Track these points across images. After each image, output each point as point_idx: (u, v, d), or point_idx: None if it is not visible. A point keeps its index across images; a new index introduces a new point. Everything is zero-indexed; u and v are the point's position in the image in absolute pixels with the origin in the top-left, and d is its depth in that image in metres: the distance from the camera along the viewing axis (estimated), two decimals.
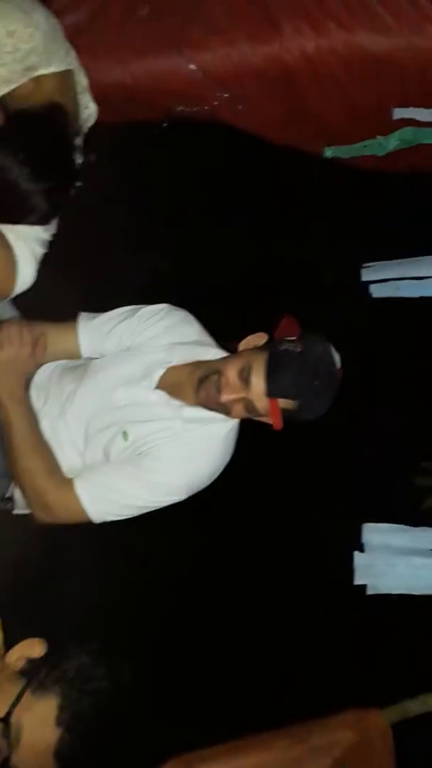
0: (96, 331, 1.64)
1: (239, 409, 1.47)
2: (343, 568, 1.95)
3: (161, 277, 2.11)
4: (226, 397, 1.45)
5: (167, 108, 1.85)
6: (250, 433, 1.60)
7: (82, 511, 1.53)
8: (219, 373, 1.48)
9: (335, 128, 1.86)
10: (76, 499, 1.52)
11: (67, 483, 1.54)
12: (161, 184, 1.99)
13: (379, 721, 1.86)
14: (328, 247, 1.97)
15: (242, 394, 1.44)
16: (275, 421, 1.44)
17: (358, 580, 1.94)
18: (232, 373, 1.46)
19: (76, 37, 1.61)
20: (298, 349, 1.45)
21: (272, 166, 1.99)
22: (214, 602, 1.97)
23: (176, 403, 1.55)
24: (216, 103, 1.79)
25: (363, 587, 1.95)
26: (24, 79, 1.34)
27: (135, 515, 1.57)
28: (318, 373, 1.43)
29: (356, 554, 1.93)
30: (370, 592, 1.95)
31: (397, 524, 1.91)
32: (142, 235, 2.17)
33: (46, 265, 1.71)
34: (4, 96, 1.36)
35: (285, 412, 1.44)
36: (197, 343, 1.64)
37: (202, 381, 1.49)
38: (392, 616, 1.94)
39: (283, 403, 1.43)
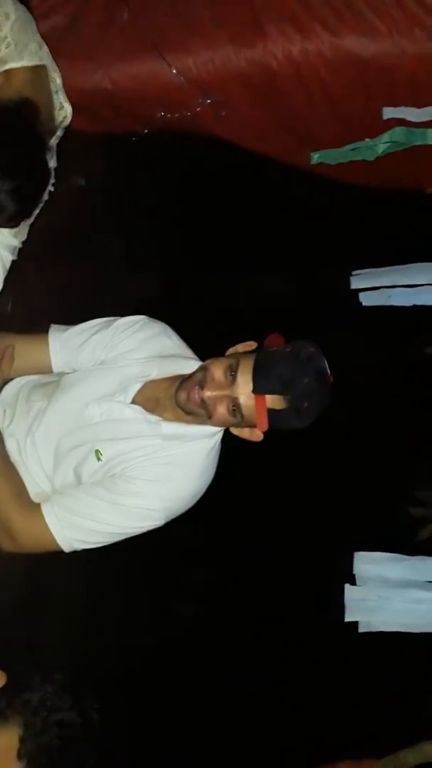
0: (68, 344, 1.54)
1: (222, 411, 1.36)
2: (332, 602, 1.82)
3: (140, 296, 2.05)
4: (209, 393, 1.35)
5: (148, 115, 1.80)
6: (234, 453, 1.50)
7: (50, 539, 1.41)
8: (204, 369, 1.39)
9: (321, 135, 1.82)
10: (43, 526, 1.40)
11: (34, 508, 1.42)
12: (140, 195, 1.93)
13: None
14: (315, 257, 1.91)
15: (227, 392, 1.34)
16: (260, 421, 1.34)
17: (349, 617, 1.80)
18: (218, 370, 1.36)
19: (55, 43, 1.56)
20: (287, 349, 1.37)
21: (254, 177, 1.94)
22: (194, 637, 1.84)
23: (154, 418, 1.45)
24: (198, 109, 1.74)
25: (355, 624, 1.81)
26: None
27: (108, 543, 1.45)
28: (307, 371, 1.34)
29: (347, 587, 1.79)
30: (362, 629, 1.81)
31: (392, 553, 1.78)
32: (123, 251, 2.12)
33: (18, 277, 1.63)
34: None
35: (272, 414, 1.33)
36: (177, 356, 1.54)
37: (184, 381, 1.40)
38: (387, 656, 1.81)
39: (270, 402, 1.33)
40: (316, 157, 1.82)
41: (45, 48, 1.36)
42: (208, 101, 1.73)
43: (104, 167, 2.04)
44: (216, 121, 1.78)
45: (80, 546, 1.43)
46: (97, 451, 1.46)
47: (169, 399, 1.45)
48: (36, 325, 1.62)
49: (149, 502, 1.40)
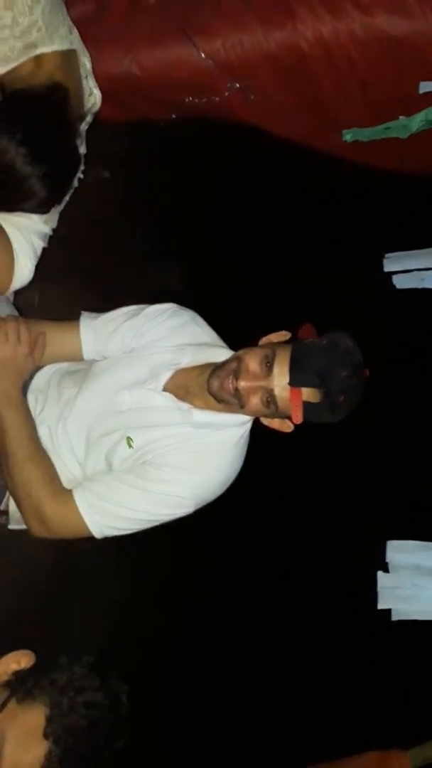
0: (99, 331, 1.54)
1: (256, 401, 1.35)
2: (365, 590, 1.81)
3: (167, 286, 2.04)
4: (244, 383, 1.34)
5: (175, 100, 1.78)
6: (264, 441, 1.48)
7: (82, 525, 1.42)
8: (238, 359, 1.38)
9: (350, 116, 1.78)
10: (74, 512, 1.41)
11: (66, 494, 1.43)
12: (166, 182, 1.92)
13: (404, 763, 1.70)
14: (348, 241, 1.88)
15: (262, 383, 1.33)
16: (296, 414, 1.33)
17: (382, 605, 1.78)
18: (253, 360, 1.35)
19: (82, 28, 1.54)
20: (324, 341, 1.36)
21: (283, 163, 1.91)
22: (224, 626, 1.83)
23: (185, 406, 1.44)
24: (226, 93, 1.71)
25: (388, 612, 1.79)
26: (24, 58, 1.26)
27: (139, 529, 1.45)
28: (345, 364, 1.33)
29: (380, 574, 1.77)
30: (395, 617, 1.79)
31: (425, 541, 1.76)
32: (148, 239, 2.11)
33: (46, 268, 1.63)
34: (2, 75, 1.27)
35: (307, 407, 1.32)
36: (207, 344, 1.54)
37: (216, 369, 1.39)
38: (421, 645, 1.79)
39: (306, 394, 1.31)
40: (349, 136, 1.78)
41: (75, 32, 1.35)
42: (237, 85, 1.70)
43: (130, 155, 2.03)
44: (244, 105, 1.75)
45: (111, 532, 1.43)
46: (128, 438, 1.46)
47: (200, 387, 1.44)
48: (62, 314, 1.62)
49: (179, 489, 1.40)
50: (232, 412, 1.42)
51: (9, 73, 1.28)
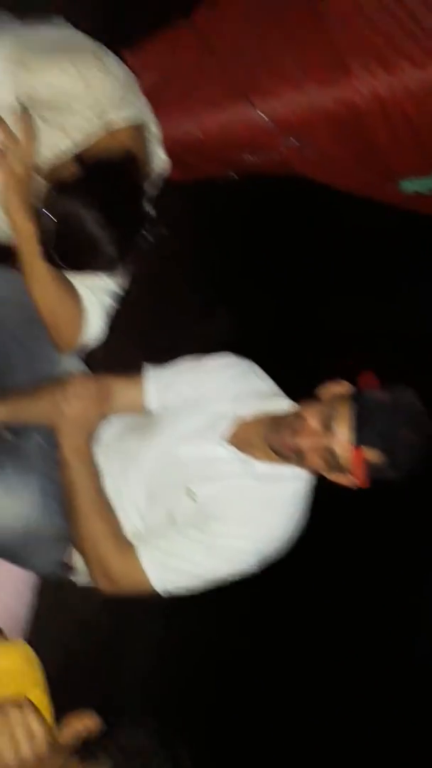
0: (161, 383, 1.56)
1: (316, 459, 1.33)
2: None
3: (222, 337, 2.04)
4: (303, 442, 1.32)
5: (234, 158, 1.84)
6: (327, 492, 1.45)
7: (146, 582, 1.40)
8: (298, 416, 1.36)
9: (407, 167, 1.79)
10: (139, 568, 1.40)
11: (130, 548, 1.42)
12: (228, 239, 1.96)
13: None
14: (403, 290, 1.86)
15: (323, 442, 1.31)
16: (360, 477, 1.29)
17: None
18: (313, 417, 1.33)
19: (148, 96, 1.63)
20: (387, 398, 1.32)
21: (339, 214, 1.93)
22: (285, 686, 1.76)
23: (246, 458, 1.43)
24: (284, 149, 1.76)
25: None
26: (100, 131, 1.33)
27: (203, 588, 1.42)
28: (409, 423, 1.29)
29: None
30: None
31: None
32: (204, 292, 2.14)
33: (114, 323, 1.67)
34: (82, 151, 1.35)
35: (369, 467, 1.29)
36: (266, 394, 1.54)
37: (276, 423, 1.38)
38: None
39: (369, 455, 1.28)
40: (408, 186, 1.79)
41: (146, 103, 1.42)
42: (294, 141, 1.75)
43: (187, 212, 2.09)
44: (301, 160, 1.79)
45: (175, 590, 1.41)
46: (190, 491, 1.45)
47: (260, 438, 1.43)
48: (125, 366, 1.66)
49: (242, 543, 1.38)
50: (294, 465, 1.40)
51: (87, 149, 1.35)
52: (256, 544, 1.38)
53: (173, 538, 1.42)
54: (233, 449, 1.44)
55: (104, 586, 1.44)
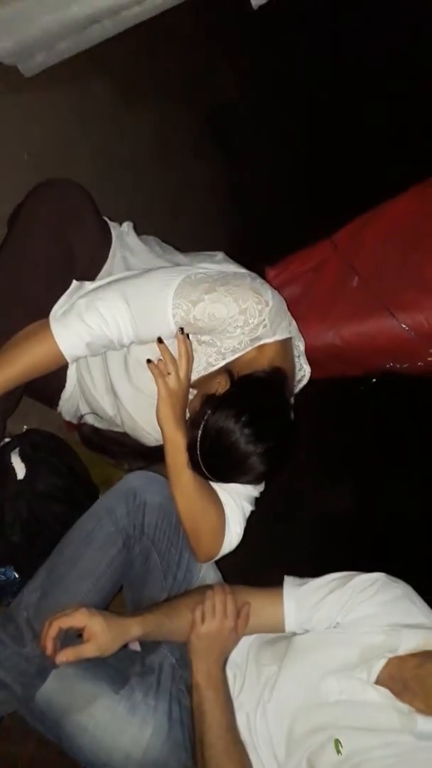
0: (303, 602, 1.43)
1: None
2: None
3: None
4: None
5: (375, 364, 1.85)
6: None
7: None
8: None
9: None
10: None
11: None
12: (367, 439, 1.91)
13: None
14: None
15: None
16: None
17: None
18: None
19: (291, 307, 1.73)
20: None
21: None
22: None
23: (405, 708, 1.23)
24: (430, 359, 1.75)
25: None
26: (249, 348, 1.39)
27: None
28: None
29: None
30: None
31: None
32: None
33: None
34: (230, 362, 1.41)
35: None
36: (424, 626, 1.35)
37: None
38: None
39: None
40: None
41: (294, 324, 1.48)
42: None
43: (333, 413, 2.10)
44: None
45: None
46: (336, 741, 1.25)
47: (420, 683, 1.25)
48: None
49: None
50: None
51: (236, 361, 1.41)
52: None
53: None
54: (388, 694, 1.26)
55: None
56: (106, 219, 1.58)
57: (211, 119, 2.68)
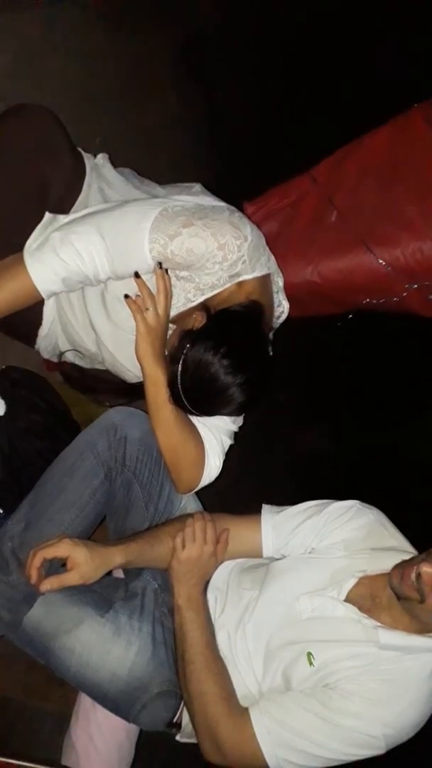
0: (280, 528, 1.50)
1: None
2: None
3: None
4: (428, 568, 1.22)
5: (352, 301, 1.86)
6: None
7: (257, 754, 1.29)
8: (428, 552, 1.27)
9: None
10: (252, 739, 1.29)
11: (243, 716, 1.32)
12: (341, 376, 1.95)
13: None
14: None
15: None
16: None
17: None
18: None
19: (269, 244, 1.71)
20: None
21: None
22: None
23: (370, 623, 1.32)
24: (405, 294, 1.76)
25: None
26: (228, 284, 1.39)
27: None
28: None
29: None
30: None
31: None
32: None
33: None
34: (208, 299, 1.41)
35: None
36: (394, 548, 1.43)
37: (399, 565, 1.28)
38: None
39: None
40: None
41: (272, 258, 1.47)
42: (415, 286, 1.75)
43: (306, 348, 2.12)
44: (422, 303, 1.79)
45: (289, 767, 1.28)
46: (309, 654, 1.34)
47: (388, 598, 1.32)
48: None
49: (368, 726, 1.24)
50: (423, 632, 1.27)
51: (214, 297, 1.41)
52: (384, 729, 1.25)
53: (290, 708, 1.30)
54: (355, 610, 1.34)
55: (213, 756, 1.33)
56: (80, 150, 1.54)
57: (186, 49, 2.58)
